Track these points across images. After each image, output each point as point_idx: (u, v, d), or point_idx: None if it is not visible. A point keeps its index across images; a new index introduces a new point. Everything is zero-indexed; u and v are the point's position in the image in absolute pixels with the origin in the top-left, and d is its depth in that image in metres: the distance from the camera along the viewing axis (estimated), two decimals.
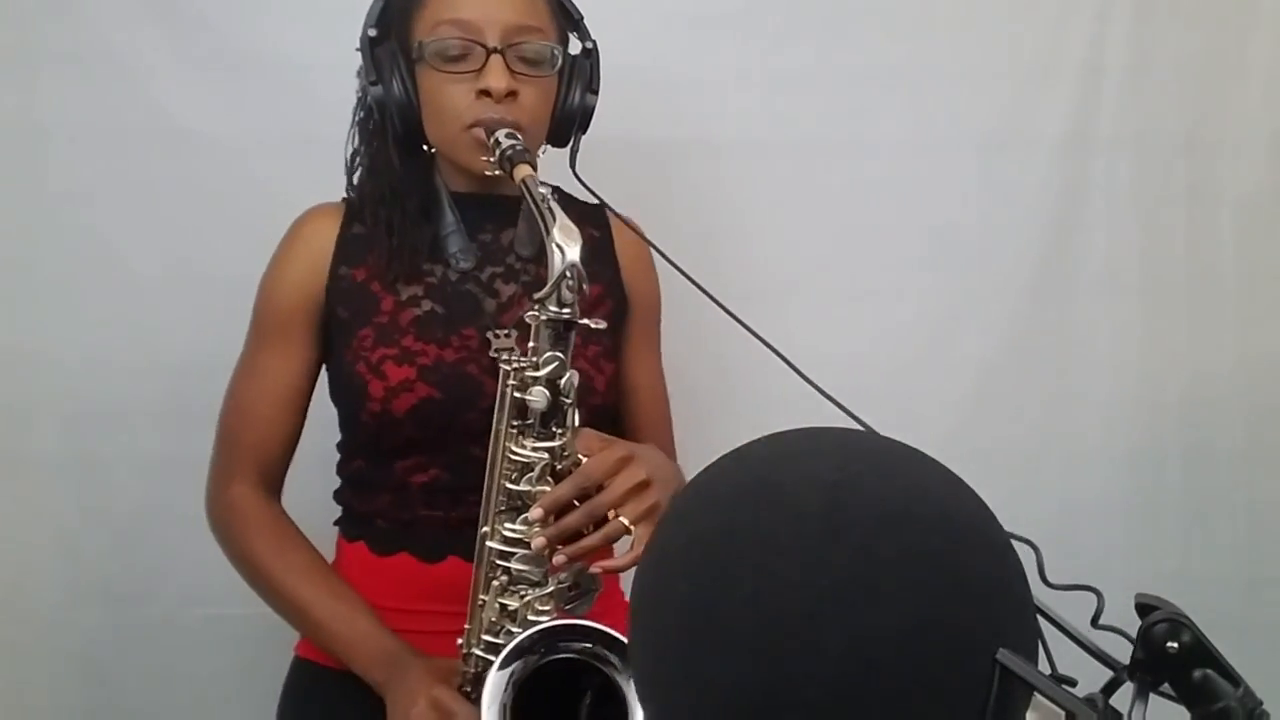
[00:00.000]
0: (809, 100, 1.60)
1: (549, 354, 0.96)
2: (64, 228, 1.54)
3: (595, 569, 0.99)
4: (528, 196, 0.97)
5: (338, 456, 1.20)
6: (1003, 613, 0.55)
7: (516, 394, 0.98)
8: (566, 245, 0.92)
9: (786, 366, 0.88)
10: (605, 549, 1.01)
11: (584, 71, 1.15)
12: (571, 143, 1.16)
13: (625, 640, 0.90)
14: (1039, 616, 0.59)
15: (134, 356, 1.56)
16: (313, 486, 1.20)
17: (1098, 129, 1.65)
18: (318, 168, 1.52)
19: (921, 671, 0.51)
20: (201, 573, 1.59)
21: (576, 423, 0.99)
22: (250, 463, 1.15)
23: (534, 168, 1.01)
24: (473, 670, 1.01)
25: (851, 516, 0.54)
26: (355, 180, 1.18)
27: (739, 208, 1.61)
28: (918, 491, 0.57)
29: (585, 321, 0.96)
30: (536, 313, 0.96)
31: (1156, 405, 1.70)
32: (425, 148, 1.15)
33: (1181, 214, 1.68)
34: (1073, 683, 0.54)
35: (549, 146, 1.16)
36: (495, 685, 0.90)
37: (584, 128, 1.16)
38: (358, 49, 1.12)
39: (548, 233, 0.94)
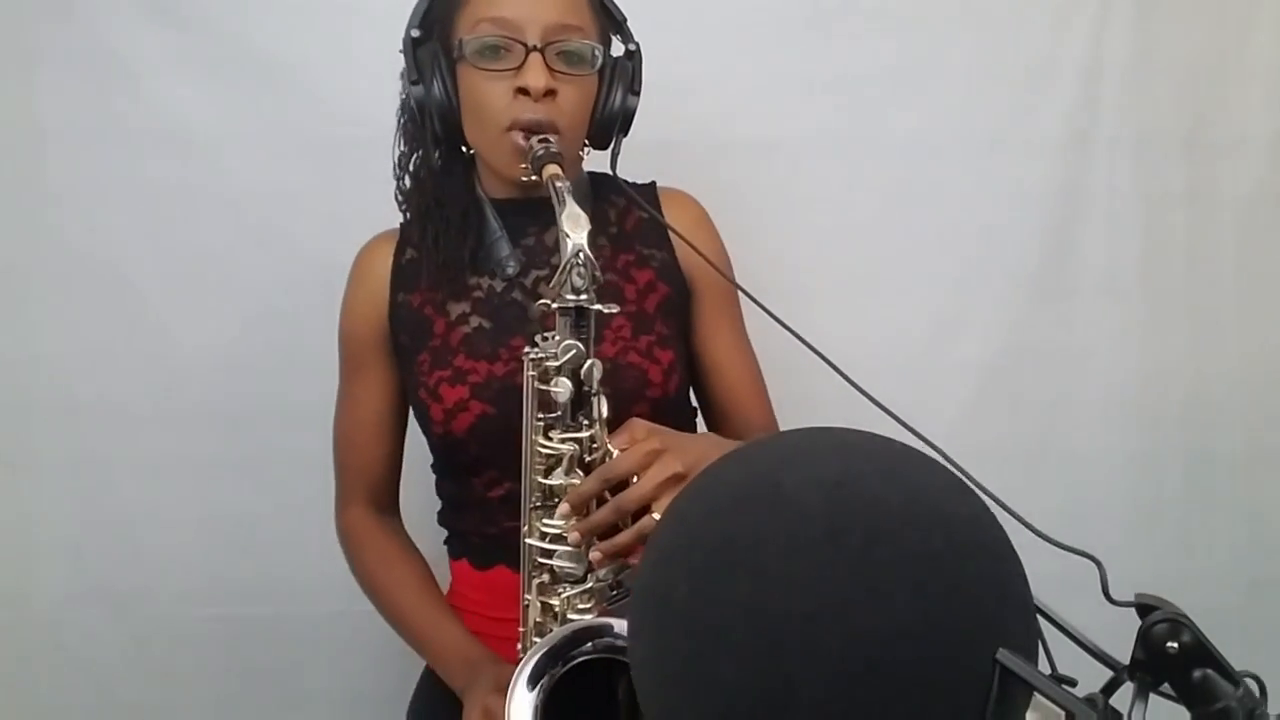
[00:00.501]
0: (809, 100, 1.60)
1: (567, 343, 0.95)
2: (64, 228, 1.54)
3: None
4: (550, 192, 0.97)
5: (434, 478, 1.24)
6: (1003, 613, 0.55)
7: (539, 385, 0.98)
8: (573, 231, 0.92)
9: (824, 366, 0.87)
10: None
11: (625, 73, 1.13)
12: (612, 145, 1.15)
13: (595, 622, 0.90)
14: (1039, 616, 0.59)
15: (134, 356, 1.56)
16: (427, 510, 1.24)
17: (1098, 129, 1.64)
18: (318, 168, 1.53)
19: (921, 672, 0.51)
20: (201, 573, 1.60)
21: (604, 412, 0.98)
22: (359, 488, 1.22)
23: (562, 167, 1.00)
24: None
25: (852, 517, 0.54)
26: (405, 185, 1.18)
27: (738, 208, 1.60)
28: (918, 493, 0.57)
29: (599, 307, 0.95)
30: (549, 301, 0.96)
31: (1156, 405, 1.70)
32: (465, 149, 1.15)
33: (1181, 214, 1.68)
34: (1073, 683, 0.54)
35: (591, 149, 1.15)
36: (521, 706, 0.88)
37: (625, 130, 1.14)
38: (400, 50, 1.11)
39: (557, 220, 0.94)
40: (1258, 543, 1.72)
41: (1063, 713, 0.52)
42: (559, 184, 0.97)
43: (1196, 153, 1.66)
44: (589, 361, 0.96)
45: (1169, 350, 1.69)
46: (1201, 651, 0.55)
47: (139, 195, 1.54)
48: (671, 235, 1.16)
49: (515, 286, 1.14)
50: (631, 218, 1.19)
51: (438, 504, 1.24)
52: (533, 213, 1.12)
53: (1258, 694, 0.55)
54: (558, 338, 0.96)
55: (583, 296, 0.94)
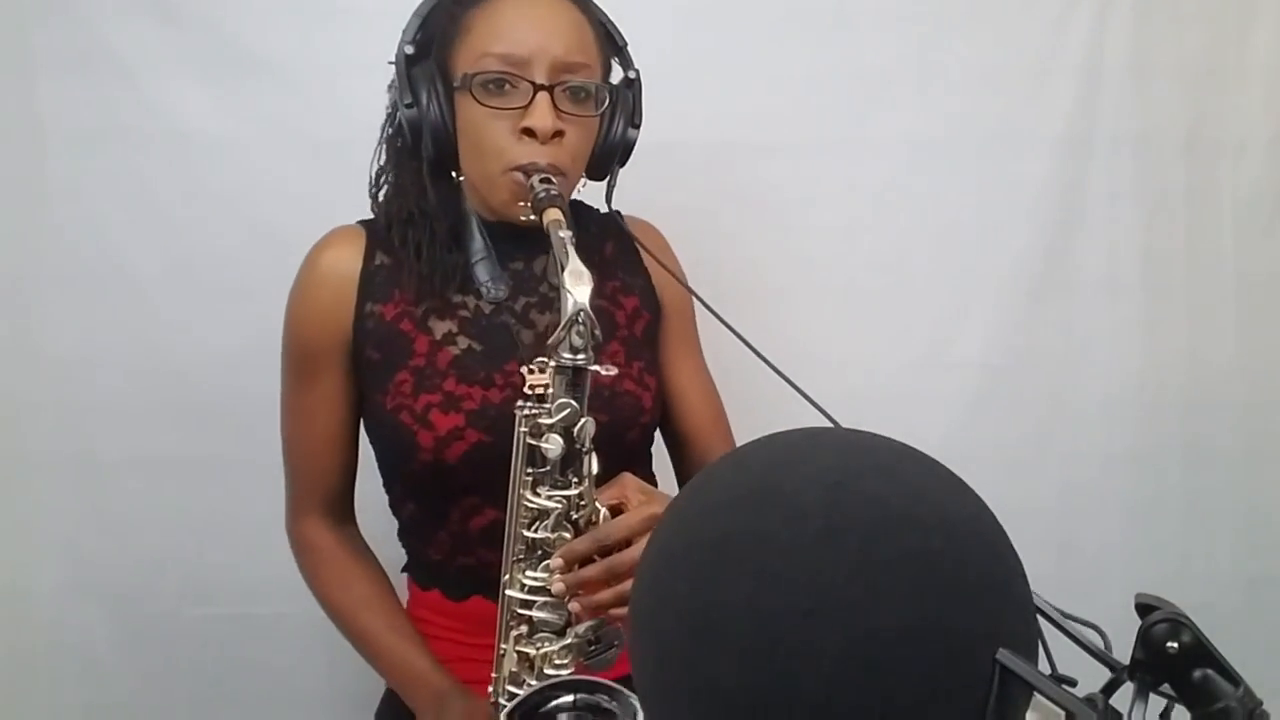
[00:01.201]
0: (809, 100, 1.60)
1: (561, 401, 0.93)
2: (64, 228, 1.54)
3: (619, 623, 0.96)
4: (552, 239, 0.94)
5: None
6: (1003, 613, 0.55)
7: (530, 440, 0.95)
8: (575, 289, 0.90)
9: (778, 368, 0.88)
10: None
11: (627, 104, 1.11)
12: (609, 178, 1.13)
13: (598, 681, 0.89)
14: (1039, 616, 0.59)
15: (134, 356, 1.56)
16: (380, 520, 1.21)
17: (1098, 129, 1.64)
18: (318, 168, 1.53)
19: (921, 671, 0.51)
20: (201, 573, 1.60)
21: (594, 469, 0.96)
22: (314, 498, 1.17)
23: (564, 212, 0.97)
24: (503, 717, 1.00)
25: (851, 517, 0.54)
26: (381, 199, 1.14)
27: (738, 208, 1.61)
28: (917, 492, 0.57)
29: (596, 368, 0.93)
30: (547, 359, 0.93)
31: (1156, 405, 1.70)
32: (455, 174, 1.10)
33: (1181, 214, 1.68)
34: (1073, 683, 0.54)
35: (587, 181, 1.13)
36: None
37: (623, 162, 1.12)
38: (390, 62, 1.07)
39: (560, 275, 0.91)
40: (1257, 541, 1.72)
41: (1063, 713, 0.52)
42: (562, 234, 0.94)
43: (1196, 153, 1.67)
44: (583, 420, 0.94)
45: (1168, 350, 1.69)
46: (1201, 651, 0.55)
47: (139, 195, 1.54)
48: (647, 260, 1.16)
49: (504, 310, 1.11)
50: (608, 245, 1.18)
51: (383, 516, 1.20)
52: (520, 239, 1.08)
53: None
54: (551, 393, 0.94)
55: (580, 357, 0.92)
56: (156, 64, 1.52)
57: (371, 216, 1.15)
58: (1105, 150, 1.65)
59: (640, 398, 1.12)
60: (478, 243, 1.10)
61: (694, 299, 1.16)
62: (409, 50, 1.06)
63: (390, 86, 1.09)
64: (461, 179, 1.11)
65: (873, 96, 1.61)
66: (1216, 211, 1.68)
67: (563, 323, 0.90)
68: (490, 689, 1.01)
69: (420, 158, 1.07)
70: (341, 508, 1.19)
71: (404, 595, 1.20)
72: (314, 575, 1.17)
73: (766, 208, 1.61)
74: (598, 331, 0.92)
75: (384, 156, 1.13)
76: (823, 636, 0.51)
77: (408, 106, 1.05)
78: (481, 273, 1.09)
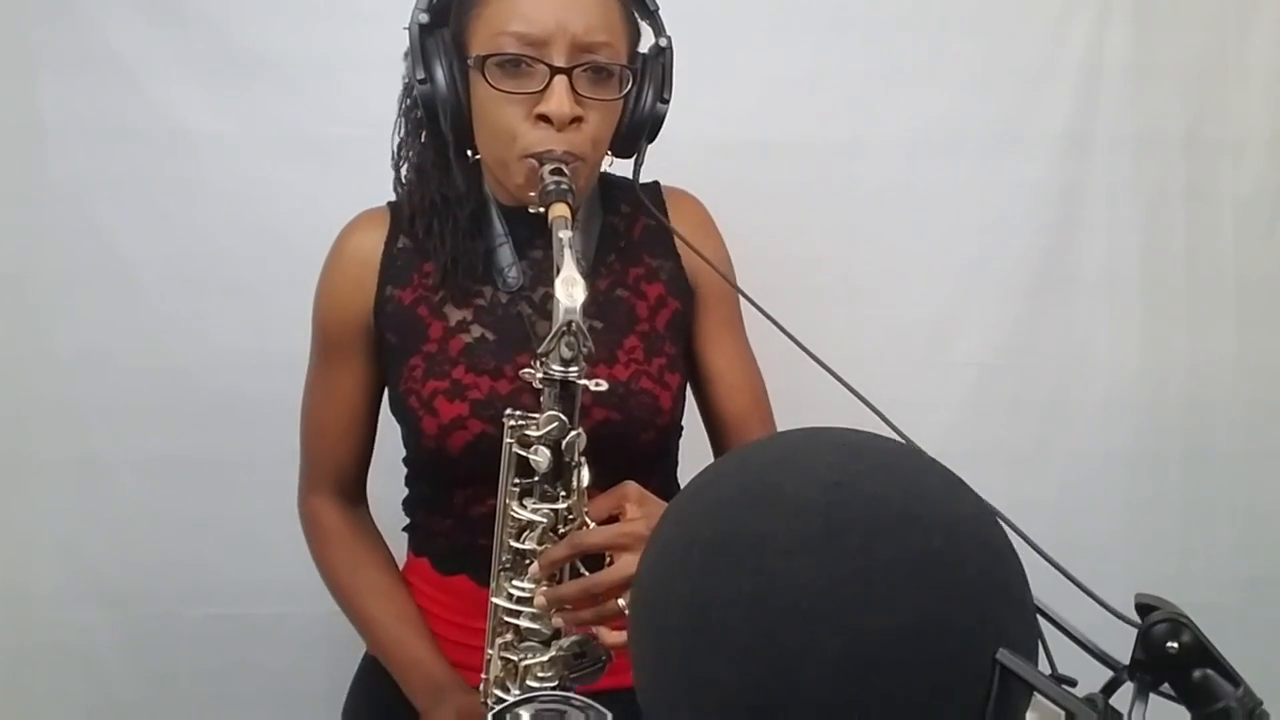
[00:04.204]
0: (810, 100, 1.60)
1: (549, 414, 0.88)
2: (64, 227, 1.54)
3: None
4: (553, 239, 0.89)
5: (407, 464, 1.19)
6: (1003, 613, 0.55)
7: (518, 451, 0.92)
8: (566, 298, 0.84)
9: (821, 369, 0.87)
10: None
11: (656, 74, 1.04)
12: (636, 156, 1.07)
13: (571, 696, 0.89)
14: (1039, 616, 0.59)
15: (134, 356, 1.56)
16: (391, 488, 1.20)
17: (1098, 129, 1.64)
18: (318, 168, 1.53)
19: (921, 671, 0.51)
20: (201, 573, 1.60)
21: (585, 481, 0.92)
22: (327, 477, 1.17)
23: (572, 208, 0.92)
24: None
25: (851, 517, 0.54)
26: (403, 177, 1.11)
27: (738, 208, 1.60)
28: (917, 492, 0.57)
29: (585, 383, 0.89)
30: (534, 370, 0.89)
31: (1156, 405, 1.70)
32: (472, 153, 1.06)
33: (1181, 214, 1.68)
34: (1073, 683, 0.54)
35: (613, 158, 1.08)
36: None
37: (652, 138, 1.06)
38: (405, 27, 1.01)
39: (553, 281, 0.86)
40: (1256, 541, 1.72)
41: (1063, 713, 0.52)
42: (562, 235, 0.88)
43: (1196, 153, 1.67)
44: (573, 433, 0.89)
45: (1168, 349, 1.70)
46: (1201, 651, 0.55)
47: (139, 195, 1.55)
48: (678, 242, 1.12)
49: (520, 299, 1.08)
50: (639, 224, 1.14)
51: (395, 483, 1.20)
52: (541, 225, 0.98)
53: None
54: (541, 403, 0.90)
55: (571, 369, 0.87)
56: (157, 64, 1.52)
57: (400, 205, 1.12)
58: (1105, 150, 1.65)
59: (658, 397, 1.08)
60: (496, 227, 1.08)
61: (735, 282, 1.12)
62: (423, 19, 1.01)
63: (405, 55, 1.04)
64: (478, 158, 1.07)
65: (873, 96, 1.61)
66: (1216, 211, 1.68)
67: (552, 332, 0.85)
68: (480, 689, 1.01)
69: (436, 133, 1.03)
70: (353, 489, 1.19)
71: (402, 554, 1.21)
72: (321, 554, 1.17)
73: (766, 208, 1.61)
74: (589, 344, 0.87)
75: (403, 129, 1.10)
76: (823, 636, 0.51)
77: (420, 82, 1.00)
78: (500, 259, 1.07)
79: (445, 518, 1.13)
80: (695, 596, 0.55)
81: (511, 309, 1.08)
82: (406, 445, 1.14)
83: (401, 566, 1.20)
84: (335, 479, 1.17)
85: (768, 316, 0.92)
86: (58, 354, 1.56)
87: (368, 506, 1.22)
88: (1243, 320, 1.70)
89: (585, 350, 0.87)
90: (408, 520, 1.20)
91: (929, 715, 0.52)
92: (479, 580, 1.04)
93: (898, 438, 0.68)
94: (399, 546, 1.21)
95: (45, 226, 1.54)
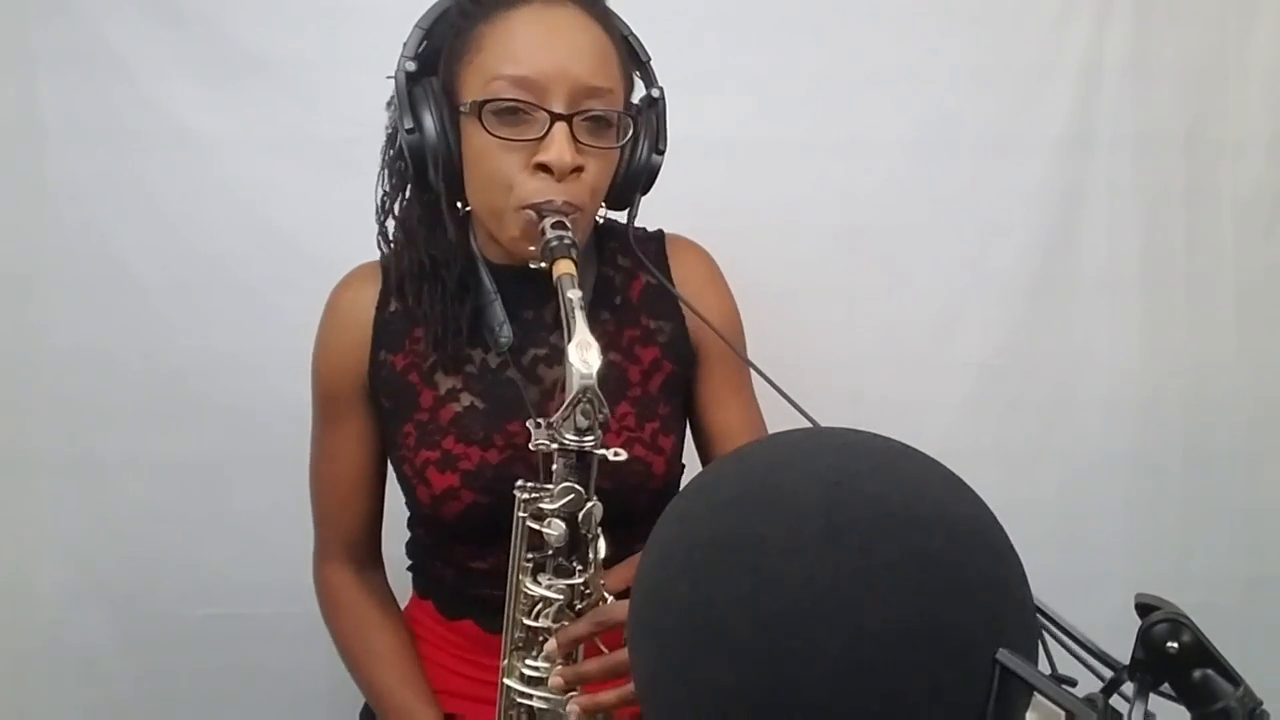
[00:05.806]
0: (809, 100, 1.60)
1: (564, 485, 0.85)
2: (64, 227, 1.54)
3: None
4: (560, 300, 0.86)
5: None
6: (1003, 613, 0.55)
7: (531, 525, 0.89)
8: (581, 364, 0.81)
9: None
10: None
11: (650, 125, 1.02)
12: (630, 208, 1.04)
13: None
14: (1039, 616, 0.59)
15: (134, 356, 1.56)
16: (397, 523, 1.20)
17: (1098, 129, 1.64)
18: (318, 168, 1.53)
19: (921, 671, 0.51)
20: (201, 573, 1.60)
21: (601, 555, 0.89)
22: (338, 543, 1.16)
23: (575, 263, 0.88)
24: None
25: (851, 517, 0.54)
26: (389, 233, 1.08)
27: (738, 208, 1.61)
28: (917, 492, 0.57)
29: (603, 452, 0.85)
30: (547, 441, 0.85)
31: (1156, 405, 1.70)
32: (461, 205, 1.03)
33: (1181, 214, 1.68)
34: (1073, 683, 0.54)
35: (606, 212, 1.05)
36: None
37: (646, 190, 1.04)
38: (390, 77, 0.99)
39: (566, 344, 0.83)
40: (1257, 541, 1.72)
41: (1063, 713, 0.52)
42: (571, 295, 0.85)
43: (1196, 153, 1.67)
44: (589, 504, 0.86)
45: (1168, 349, 1.69)
46: (1201, 651, 0.55)
47: (139, 195, 1.54)
48: (692, 269, 1.09)
49: (510, 364, 1.04)
50: (639, 282, 1.10)
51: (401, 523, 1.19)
52: (532, 283, 0.95)
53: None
54: (554, 474, 0.86)
55: (587, 439, 0.84)
56: (156, 64, 1.52)
57: (388, 263, 1.09)
58: (1105, 150, 1.65)
59: (650, 464, 1.05)
60: (485, 286, 1.03)
61: (740, 328, 1.12)
62: (410, 67, 0.97)
63: (389, 105, 1.01)
64: (468, 209, 1.03)
65: (873, 96, 1.61)
66: (1216, 211, 1.68)
67: (567, 401, 0.82)
68: None
69: (423, 186, 1.00)
70: (365, 552, 1.17)
71: (407, 592, 1.21)
72: (332, 620, 1.16)
73: (766, 208, 1.61)
74: (605, 411, 0.83)
75: (387, 181, 1.07)
76: (823, 636, 0.51)
77: (409, 132, 0.95)
78: (490, 318, 1.02)
79: (447, 567, 1.12)
80: (695, 596, 0.55)
81: (501, 374, 1.05)
82: (405, 500, 1.13)
83: (406, 603, 1.19)
84: (347, 543, 1.15)
85: (774, 386, 0.90)
86: (57, 354, 1.56)
87: (383, 569, 1.21)
88: (1243, 320, 1.70)
89: (601, 418, 0.84)
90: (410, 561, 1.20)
91: (929, 715, 0.52)
92: (484, 625, 1.04)
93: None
94: (404, 581, 1.21)
95: (44, 226, 1.54)
